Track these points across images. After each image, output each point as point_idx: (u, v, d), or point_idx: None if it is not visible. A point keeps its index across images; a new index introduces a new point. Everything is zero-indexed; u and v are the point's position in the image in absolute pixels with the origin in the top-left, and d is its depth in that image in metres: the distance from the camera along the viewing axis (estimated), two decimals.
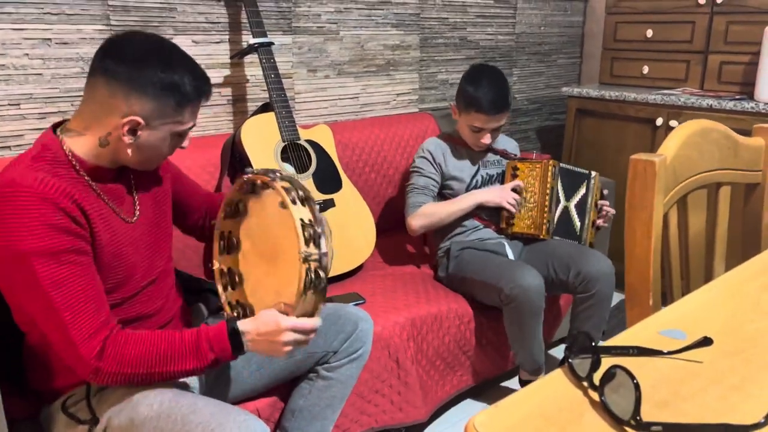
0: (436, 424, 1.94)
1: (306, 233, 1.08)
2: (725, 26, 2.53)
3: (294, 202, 1.11)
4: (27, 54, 1.69)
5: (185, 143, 1.24)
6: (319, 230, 1.11)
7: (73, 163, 1.12)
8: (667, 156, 0.99)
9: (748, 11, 2.46)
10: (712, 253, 1.20)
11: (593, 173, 2.06)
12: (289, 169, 1.92)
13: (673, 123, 2.51)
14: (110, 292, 1.16)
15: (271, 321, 1.13)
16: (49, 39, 1.72)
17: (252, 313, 1.25)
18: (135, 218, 1.23)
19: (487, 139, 1.99)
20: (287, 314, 1.13)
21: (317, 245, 1.10)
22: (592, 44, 3.31)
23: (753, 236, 1.22)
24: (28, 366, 1.23)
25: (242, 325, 1.15)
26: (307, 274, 1.08)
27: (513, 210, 1.98)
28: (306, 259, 1.08)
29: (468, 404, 2.04)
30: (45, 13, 1.70)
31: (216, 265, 1.28)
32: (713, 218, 1.19)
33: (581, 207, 2.05)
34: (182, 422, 1.08)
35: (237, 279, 1.29)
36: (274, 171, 1.19)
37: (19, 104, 1.71)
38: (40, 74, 1.72)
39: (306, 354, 1.40)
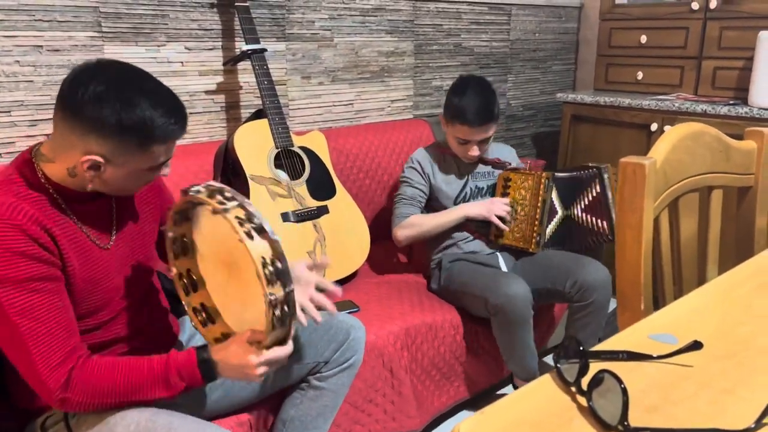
0: None
1: (267, 271, 1.00)
2: (719, 32, 2.53)
3: (250, 237, 1.01)
4: (18, 61, 1.69)
5: (165, 171, 1.17)
6: (281, 265, 1.02)
7: (47, 187, 1.09)
8: (658, 159, 0.98)
9: (741, 17, 2.46)
10: (704, 258, 1.19)
11: (604, 166, 1.95)
12: (282, 175, 1.91)
13: (667, 128, 2.50)
14: (87, 316, 1.14)
15: (241, 355, 1.09)
16: (41, 46, 1.71)
17: (217, 315, 1.20)
18: (110, 244, 1.19)
19: (474, 152, 1.96)
20: (259, 342, 1.08)
21: (283, 283, 1.02)
22: (586, 50, 3.31)
23: (745, 240, 1.22)
24: (9, 383, 1.22)
25: (213, 354, 1.11)
26: (273, 314, 1.03)
27: (501, 225, 1.95)
28: (272, 304, 1.01)
29: (465, 415, 2.02)
30: (36, 20, 1.69)
31: (173, 271, 1.21)
32: (705, 222, 1.18)
33: (600, 206, 1.94)
34: None
35: (196, 281, 1.22)
36: (221, 192, 1.06)
37: (9, 111, 1.70)
38: (31, 81, 1.72)
39: (297, 364, 1.38)
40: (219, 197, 1.05)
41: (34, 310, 1.03)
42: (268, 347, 1.09)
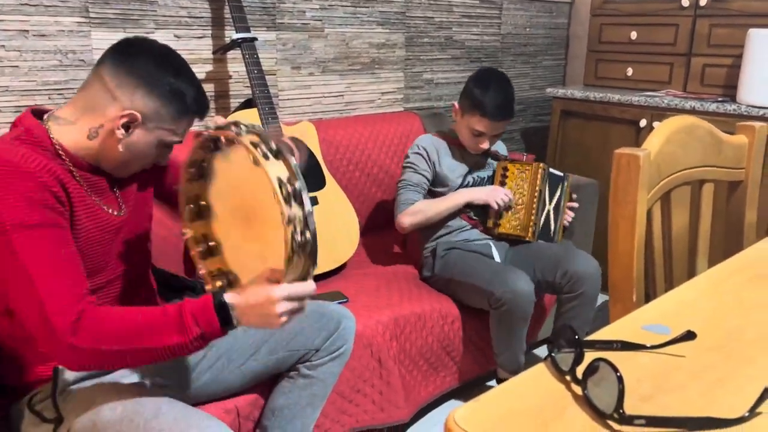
0: (419, 424, 1.92)
1: (284, 192, 0.97)
2: (708, 29, 2.55)
3: (266, 158, 0.99)
4: (3, 45, 1.65)
5: (164, 162, 1.24)
6: (299, 185, 0.99)
7: (58, 150, 1.10)
8: (652, 151, 0.98)
9: (731, 14, 2.48)
10: (695, 251, 1.20)
11: (568, 175, 2.06)
12: None
13: (656, 124, 2.51)
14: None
15: (262, 293, 1.03)
16: (27, 30, 1.68)
17: (236, 281, 1.16)
18: (121, 212, 1.21)
19: (486, 144, 1.97)
20: (278, 281, 1.04)
21: (300, 203, 0.98)
22: (576, 46, 3.32)
23: (735, 234, 1.22)
24: None
25: (230, 298, 1.05)
26: (293, 238, 0.97)
27: (496, 207, 1.96)
28: (290, 221, 0.97)
29: (452, 405, 2.03)
30: (23, 4, 1.66)
31: (188, 233, 1.16)
32: (696, 216, 1.19)
33: (557, 209, 2.05)
34: (144, 428, 1.05)
35: (214, 245, 1.18)
36: (237, 123, 1.06)
37: None
38: (16, 66, 1.68)
39: (287, 352, 1.37)
40: (234, 127, 1.04)
41: (44, 255, 1.01)
42: (290, 281, 1.03)
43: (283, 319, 1.04)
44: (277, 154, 1.00)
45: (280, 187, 0.97)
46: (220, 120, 1.15)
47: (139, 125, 1.12)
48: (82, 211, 1.11)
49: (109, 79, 1.10)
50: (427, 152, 2.00)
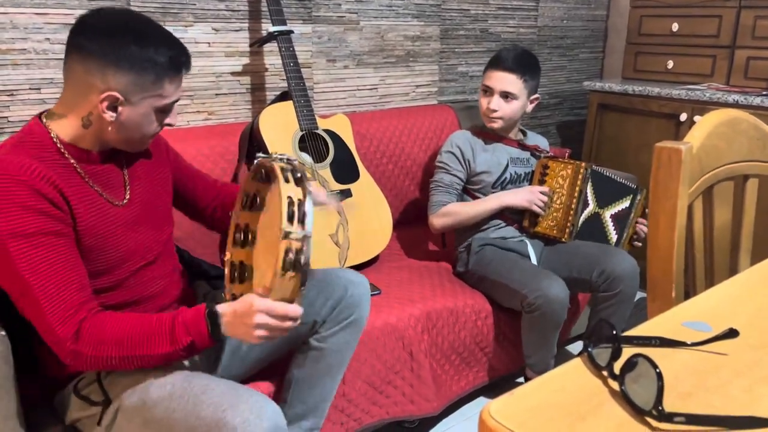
0: (450, 419, 1.92)
1: (290, 210, 1.03)
2: (753, 21, 2.47)
3: (287, 181, 1.05)
4: (48, 38, 1.70)
5: (171, 120, 1.20)
6: (306, 210, 1.04)
7: (59, 147, 1.12)
8: (693, 145, 0.96)
9: None
10: (737, 248, 1.17)
11: (643, 189, 2.00)
12: (306, 158, 1.91)
13: (697, 118, 2.45)
14: (102, 274, 1.15)
15: (246, 302, 1.07)
16: (71, 24, 1.72)
17: (249, 276, 1.22)
18: (125, 201, 1.21)
19: (493, 104, 1.92)
20: (265, 296, 1.07)
21: (302, 225, 1.03)
22: (615, 38, 3.26)
23: None
24: (38, 353, 1.23)
25: (220, 307, 1.10)
26: (286, 254, 1.01)
27: (540, 212, 1.94)
28: (287, 236, 1.01)
29: (481, 401, 2.02)
30: None
31: (228, 256, 1.24)
32: (739, 212, 1.16)
33: (621, 220, 2.01)
34: (194, 402, 1.07)
35: (246, 274, 1.25)
36: (280, 156, 1.13)
37: (39, 89, 1.71)
38: (61, 59, 1.71)
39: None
40: (274, 156, 1.12)
41: (42, 264, 1.04)
42: (276, 299, 1.06)
43: (259, 332, 1.06)
44: (298, 182, 1.07)
45: (289, 205, 1.03)
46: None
47: (124, 102, 1.10)
48: (85, 210, 1.12)
49: (77, 68, 1.09)
50: (461, 150, 1.97)
